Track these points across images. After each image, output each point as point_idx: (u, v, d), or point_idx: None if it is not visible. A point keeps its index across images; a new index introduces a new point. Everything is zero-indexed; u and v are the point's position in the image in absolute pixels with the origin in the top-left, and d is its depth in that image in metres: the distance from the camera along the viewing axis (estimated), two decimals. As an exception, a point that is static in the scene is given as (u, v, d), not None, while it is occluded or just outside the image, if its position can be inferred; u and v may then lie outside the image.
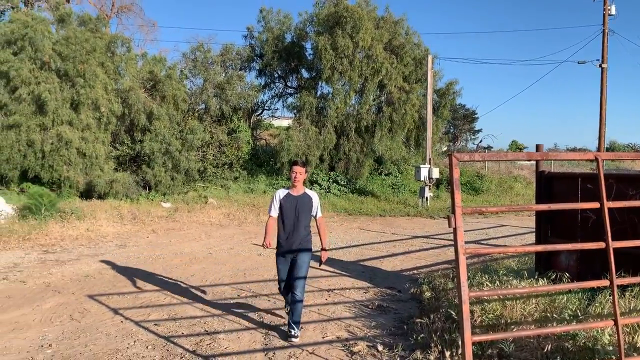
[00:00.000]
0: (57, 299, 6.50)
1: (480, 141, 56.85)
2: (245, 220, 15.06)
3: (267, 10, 24.83)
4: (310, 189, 5.61)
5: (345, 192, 22.41)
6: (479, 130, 63.89)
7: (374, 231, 13.22)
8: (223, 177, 22.09)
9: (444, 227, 13.89)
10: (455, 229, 2.92)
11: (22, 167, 16.50)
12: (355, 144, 23.13)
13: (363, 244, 11.08)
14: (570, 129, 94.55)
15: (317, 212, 5.34)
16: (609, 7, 24.07)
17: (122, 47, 19.99)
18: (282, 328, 5.25)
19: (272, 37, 24.24)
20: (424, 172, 19.60)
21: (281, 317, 5.69)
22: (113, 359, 4.44)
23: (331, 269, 8.27)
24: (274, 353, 4.51)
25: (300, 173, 5.21)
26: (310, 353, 4.56)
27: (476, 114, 62.79)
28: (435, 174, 19.71)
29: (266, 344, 4.75)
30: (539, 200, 6.25)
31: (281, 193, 5.29)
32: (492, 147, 53.98)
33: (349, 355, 4.51)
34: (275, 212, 5.26)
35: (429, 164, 20.05)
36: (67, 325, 5.42)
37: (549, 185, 6.10)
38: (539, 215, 6.28)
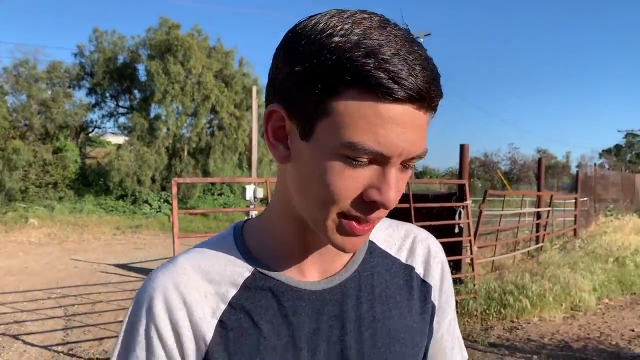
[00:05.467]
0: None
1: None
2: (67, 239, 15.34)
3: (100, 32, 24.99)
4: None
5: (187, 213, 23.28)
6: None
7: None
8: (47, 197, 21.66)
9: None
10: (173, 235, 4.43)
11: None
12: (187, 165, 24.16)
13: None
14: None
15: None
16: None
17: None
18: (82, 314, 6.39)
19: (104, 57, 24.43)
20: (249, 192, 21.28)
21: (81, 303, 6.79)
22: None
23: (142, 276, 9.40)
24: (71, 330, 5.68)
25: (418, 132, 0.59)
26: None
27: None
28: (260, 194, 21.51)
29: (66, 325, 5.88)
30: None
31: (192, 302, 0.69)
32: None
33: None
34: None
35: (254, 184, 21.85)
36: None
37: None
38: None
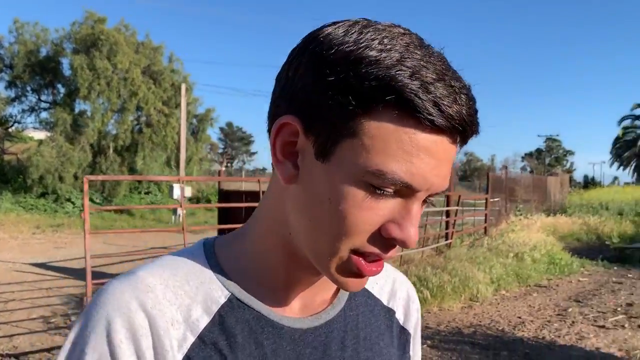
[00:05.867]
0: None
1: (244, 163, 60.64)
2: (-20, 238, 14.74)
3: (21, 23, 23.91)
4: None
5: (101, 210, 22.72)
6: (255, 153, 67.96)
7: (115, 244, 14.33)
8: (-42, 194, 20.61)
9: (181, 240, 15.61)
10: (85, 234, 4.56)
11: None
12: (113, 163, 23.61)
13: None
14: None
15: None
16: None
17: None
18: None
19: (25, 49, 23.45)
20: (177, 191, 21.07)
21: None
22: None
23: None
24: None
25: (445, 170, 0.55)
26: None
27: (252, 137, 66.81)
28: (188, 192, 21.37)
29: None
30: (220, 208, 8.44)
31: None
32: (266, 169, 58.28)
33: None
34: None
35: (182, 183, 21.67)
36: None
37: (227, 197, 8.30)
38: (220, 217, 8.46)
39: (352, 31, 0.53)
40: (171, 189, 22.22)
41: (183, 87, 21.00)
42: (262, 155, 69.49)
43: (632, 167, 45.23)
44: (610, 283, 9.39)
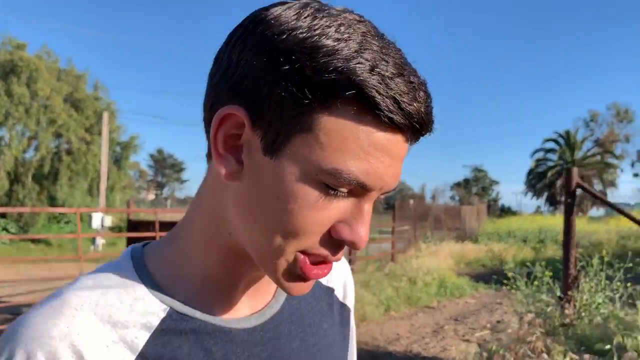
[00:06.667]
0: None
1: (167, 193, 59.72)
2: None
3: None
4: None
5: (16, 240, 22.07)
6: (186, 180, 66.92)
7: (28, 274, 14.11)
8: None
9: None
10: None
11: None
12: (32, 191, 23.08)
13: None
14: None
15: None
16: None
17: None
18: None
19: (-62, 73, 22.77)
20: (96, 221, 20.87)
21: None
22: None
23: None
24: None
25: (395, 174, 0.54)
26: None
27: (184, 164, 65.93)
28: (108, 222, 21.19)
29: None
30: (129, 238, 8.77)
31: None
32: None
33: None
34: None
35: (102, 212, 21.44)
36: None
37: (135, 227, 8.65)
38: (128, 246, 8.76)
39: (305, 14, 0.50)
40: (90, 218, 21.99)
41: (105, 114, 21.03)
42: (193, 183, 68.64)
43: (544, 197, 48.37)
44: (493, 304, 10.36)
